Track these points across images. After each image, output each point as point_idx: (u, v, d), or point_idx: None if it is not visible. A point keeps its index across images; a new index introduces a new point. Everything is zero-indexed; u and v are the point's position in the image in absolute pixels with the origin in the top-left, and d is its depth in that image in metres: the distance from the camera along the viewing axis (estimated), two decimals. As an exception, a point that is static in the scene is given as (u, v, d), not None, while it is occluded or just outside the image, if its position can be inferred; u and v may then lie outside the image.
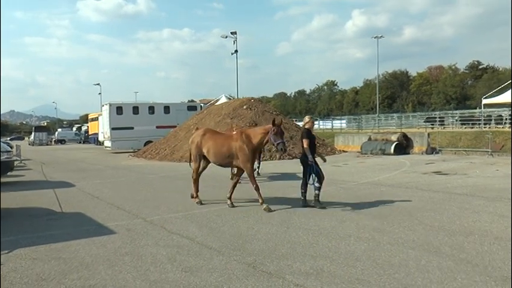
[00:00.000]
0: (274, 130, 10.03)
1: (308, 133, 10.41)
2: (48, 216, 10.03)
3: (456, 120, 40.14)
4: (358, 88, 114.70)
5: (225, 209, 10.30)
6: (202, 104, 44.35)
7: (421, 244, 7.00)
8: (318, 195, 10.39)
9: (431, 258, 6.32)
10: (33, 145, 67.65)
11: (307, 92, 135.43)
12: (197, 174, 11.54)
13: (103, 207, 11.02)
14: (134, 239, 7.81)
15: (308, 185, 10.53)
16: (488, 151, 23.41)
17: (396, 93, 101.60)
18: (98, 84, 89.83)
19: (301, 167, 10.63)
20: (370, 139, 28.36)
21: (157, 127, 35.96)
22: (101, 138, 43.31)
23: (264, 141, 10.32)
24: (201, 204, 10.99)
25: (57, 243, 7.56)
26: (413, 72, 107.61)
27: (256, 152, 10.88)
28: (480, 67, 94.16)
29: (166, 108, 37.54)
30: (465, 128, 35.92)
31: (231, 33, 50.81)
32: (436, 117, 42.81)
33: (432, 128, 38.06)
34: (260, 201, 10.31)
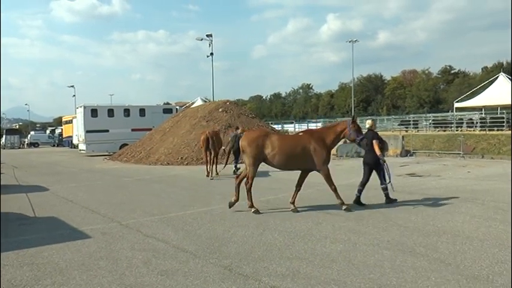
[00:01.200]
0: (355, 126, 10.25)
1: (376, 135, 10.85)
2: (20, 221, 9.82)
3: (429, 124, 40.82)
4: (333, 91, 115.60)
5: (201, 212, 10.26)
6: (177, 107, 44.12)
7: (395, 244, 7.09)
8: (388, 193, 10.74)
9: (405, 258, 6.41)
10: (4, 148, 66.26)
11: (283, 95, 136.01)
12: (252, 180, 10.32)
13: (77, 211, 10.85)
14: (109, 243, 7.71)
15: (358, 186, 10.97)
16: (460, 153, 23.86)
17: (371, 96, 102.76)
18: (72, 86, 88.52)
19: (362, 167, 11.11)
20: (345, 142, 28.57)
21: (132, 130, 35.60)
22: (75, 141, 42.70)
23: (338, 140, 10.44)
24: (259, 213, 9.90)
25: (29, 249, 7.42)
26: (387, 76, 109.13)
27: (330, 152, 10.52)
28: (452, 72, 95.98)
29: (142, 111, 37.22)
30: (438, 131, 36.53)
31: (207, 35, 50.71)
32: (410, 120, 43.47)
33: (406, 131, 38.61)
34: (339, 201, 10.11)
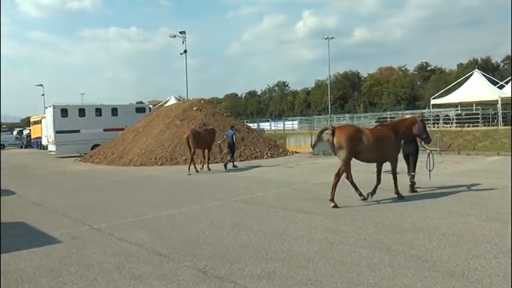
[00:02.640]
0: (422, 123, 11.53)
1: None
2: (-14, 226, 9.62)
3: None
4: (309, 89, 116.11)
5: (175, 214, 10.21)
6: (151, 106, 43.76)
7: (372, 243, 7.17)
8: (414, 182, 12.10)
9: (382, 256, 6.48)
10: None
11: (259, 92, 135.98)
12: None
13: (47, 215, 10.68)
14: (80, 247, 7.61)
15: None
16: (437, 150, 24.22)
17: (348, 93, 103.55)
18: (41, 85, 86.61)
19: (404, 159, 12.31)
20: (322, 140, 28.74)
21: (104, 130, 35.15)
22: (44, 142, 41.91)
23: (407, 133, 11.43)
24: (337, 207, 10.15)
25: (-4, 255, 7.26)
26: (364, 73, 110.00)
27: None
28: (428, 68, 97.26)
29: (114, 110, 36.78)
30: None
31: (180, 32, 50.36)
32: (387, 118, 44.00)
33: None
34: (396, 190, 11.15)
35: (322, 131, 11.12)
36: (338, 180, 10.56)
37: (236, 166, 20.94)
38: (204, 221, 9.36)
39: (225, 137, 21.96)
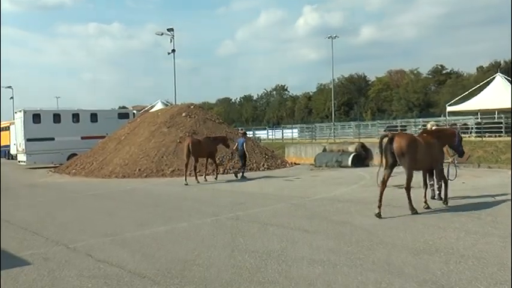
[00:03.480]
0: (459, 136, 12.60)
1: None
2: None
3: (419, 129, 41.41)
4: (311, 93, 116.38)
5: (161, 232, 10.16)
6: (135, 111, 43.74)
7: (381, 265, 7.13)
8: (439, 194, 13.00)
9: (392, 280, 6.44)
10: None
11: (254, 97, 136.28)
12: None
13: (15, 234, 10.59)
14: (53, 270, 7.54)
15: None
16: (454, 162, 24.23)
17: (353, 99, 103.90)
18: (10, 87, 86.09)
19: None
20: (325, 150, 28.78)
21: (82, 138, 35.07)
22: (13, 151, 41.67)
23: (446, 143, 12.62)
24: (417, 213, 11.24)
25: (-43, 277, 7.18)
26: (372, 77, 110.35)
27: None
28: (444, 72, 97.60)
29: (94, 116, 36.74)
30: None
31: (168, 29, 50.56)
32: (397, 126, 44.10)
33: (393, 137, 39.00)
34: (444, 199, 12.29)
35: (383, 138, 11.66)
36: (410, 191, 11.49)
37: (245, 178, 21.35)
38: (193, 239, 9.30)
39: (236, 144, 22.52)
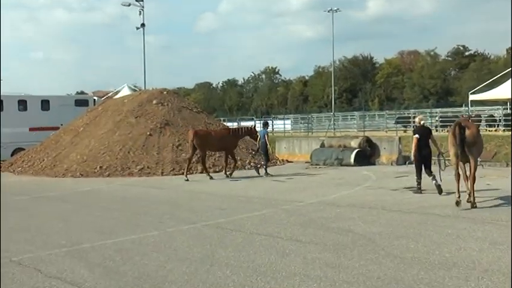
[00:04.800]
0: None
1: (430, 130, 16.22)
2: None
3: (436, 121, 41.42)
4: (307, 78, 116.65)
5: (127, 242, 10.13)
6: (96, 98, 43.54)
7: (389, 282, 7.16)
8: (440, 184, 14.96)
9: (402, 300, 6.47)
10: None
11: (240, 82, 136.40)
12: None
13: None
14: (-6, 286, 7.50)
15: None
16: (478, 160, 24.25)
17: (358, 85, 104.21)
18: None
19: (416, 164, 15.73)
20: (323, 145, 28.82)
21: (31, 129, 34.80)
22: None
23: None
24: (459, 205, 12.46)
25: None
26: (380, 59, 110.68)
27: None
28: (467, 54, 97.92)
29: (45, 103, 36.44)
30: (447, 131, 37.16)
31: (136, 0, 50.32)
32: (409, 117, 44.13)
33: (405, 131, 39.10)
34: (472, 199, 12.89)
35: (460, 126, 12.82)
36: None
37: (269, 174, 22.08)
38: (165, 251, 9.29)
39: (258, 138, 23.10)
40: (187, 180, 20.65)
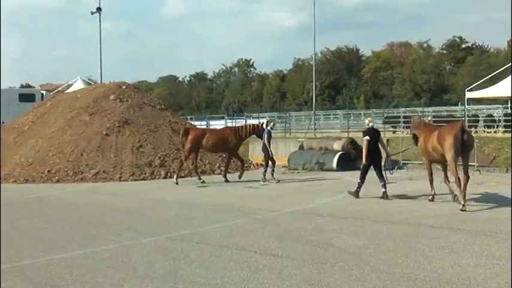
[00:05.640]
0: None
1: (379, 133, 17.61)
2: None
3: (429, 121, 41.68)
4: (285, 72, 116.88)
5: (78, 257, 10.04)
6: (44, 92, 43.31)
7: (374, 302, 7.18)
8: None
9: (388, 322, 6.50)
10: None
11: (209, 75, 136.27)
12: None
13: None
14: None
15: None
16: (474, 165, 24.29)
17: (342, 80, 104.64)
18: None
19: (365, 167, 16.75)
20: (302, 148, 28.92)
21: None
22: None
23: None
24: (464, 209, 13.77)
25: None
26: (367, 51, 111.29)
27: None
28: (463, 46, 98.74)
29: (-18, 98, 36.13)
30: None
31: (92, -19, 50.02)
32: (399, 117, 44.37)
33: (394, 132, 39.32)
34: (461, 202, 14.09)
35: (463, 130, 14.40)
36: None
37: (275, 180, 21.93)
38: (122, 267, 9.25)
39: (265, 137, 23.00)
40: (203, 181, 21.61)
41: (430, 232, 11.50)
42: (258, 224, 12.89)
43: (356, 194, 16.53)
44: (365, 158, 16.53)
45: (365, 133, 17.14)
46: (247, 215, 14.04)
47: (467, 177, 14.24)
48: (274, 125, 25.34)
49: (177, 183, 21.33)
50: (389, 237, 11.02)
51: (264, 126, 23.33)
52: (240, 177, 22.51)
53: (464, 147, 14.10)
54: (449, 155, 14.26)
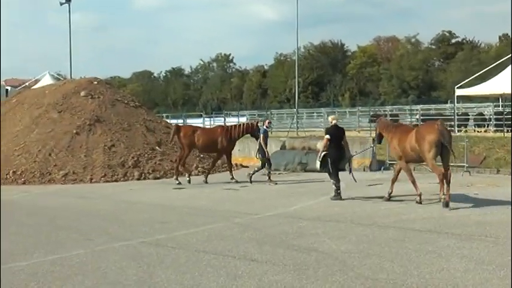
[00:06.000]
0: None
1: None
2: None
3: (417, 120, 41.79)
4: (266, 68, 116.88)
5: (45, 263, 9.98)
6: (8, 87, 43.06)
7: (358, 309, 7.21)
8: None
9: (373, 330, 6.52)
10: None
11: (186, 71, 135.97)
12: None
13: None
14: None
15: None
16: (464, 166, 24.38)
17: (326, 76, 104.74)
18: None
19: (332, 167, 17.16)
20: (283, 147, 28.93)
21: None
22: None
23: None
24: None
25: None
26: (352, 46, 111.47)
27: None
28: (453, 41, 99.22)
29: None
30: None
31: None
32: (386, 115, 44.51)
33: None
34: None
35: (442, 128, 15.23)
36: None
37: (273, 182, 21.72)
38: (93, 274, 9.21)
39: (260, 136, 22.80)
40: (179, 183, 21.75)
41: (417, 236, 11.55)
42: (237, 228, 12.89)
43: (338, 196, 16.80)
44: (320, 156, 17.39)
45: (327, 131, 17.71)
46: (226, 219, 14.03)
47: (450, 174, 14.98)
48: (270, 123, 25.02)
49: (179, 183, 21.68)
50: (375, 242, 11.06)
51: (260, 124, 23.41)
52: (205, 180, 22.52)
53: (443, 146, 14.72)
54: (429, 154, 14.79)
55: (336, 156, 17.15)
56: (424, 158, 15.34)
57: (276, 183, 21.48)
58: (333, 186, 16.87)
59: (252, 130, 23.28)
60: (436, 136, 14.61)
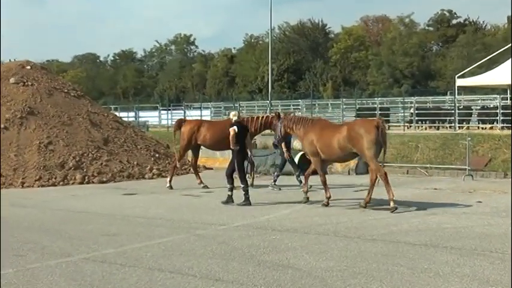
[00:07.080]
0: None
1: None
2: None
3: (411, 115, 41.82)
4: (234, 51, 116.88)
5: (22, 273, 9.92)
6: None
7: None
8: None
9: None
10: None
11: (139, 55, 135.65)
12: None
13: None
14: None
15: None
16: (466, 168, 24.44)
17: (305, 63, 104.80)
18: None
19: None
20: (255, 146, 28.94)
21: None
22: None
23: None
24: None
25: None
26: (336, 27, 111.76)
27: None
28: (454, 22, 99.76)
29: None
30: (426, 128, 37.67)
31: None
32: (375, 108, 44.66)
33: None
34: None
35: (380, 126, 16.52)
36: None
37: (275, 187, 22.36)
38: (57, 284, 9.22)
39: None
40: (171, 188, 22.12)
41: (410, 251, 11.61)
42: (198, 241, 12.89)
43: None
44: (232, 147, 17.86)
45: (232, 125, 18.34)
46: (186, 230, 14.03)
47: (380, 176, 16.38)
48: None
49: (171, 187, 22.05)
50: (361, 257, 11.10)
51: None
52: (252, 184, 21.78)
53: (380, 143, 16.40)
54: (369, 153, 16.17)
55: (243, 154, 18.33)
56: (364, 157, 16.90)
57: (280, 189, 21.88)
58: (228, 191, 17.91)
59: (271, 125, 22.57)
60: (376, 134, 15.97)
